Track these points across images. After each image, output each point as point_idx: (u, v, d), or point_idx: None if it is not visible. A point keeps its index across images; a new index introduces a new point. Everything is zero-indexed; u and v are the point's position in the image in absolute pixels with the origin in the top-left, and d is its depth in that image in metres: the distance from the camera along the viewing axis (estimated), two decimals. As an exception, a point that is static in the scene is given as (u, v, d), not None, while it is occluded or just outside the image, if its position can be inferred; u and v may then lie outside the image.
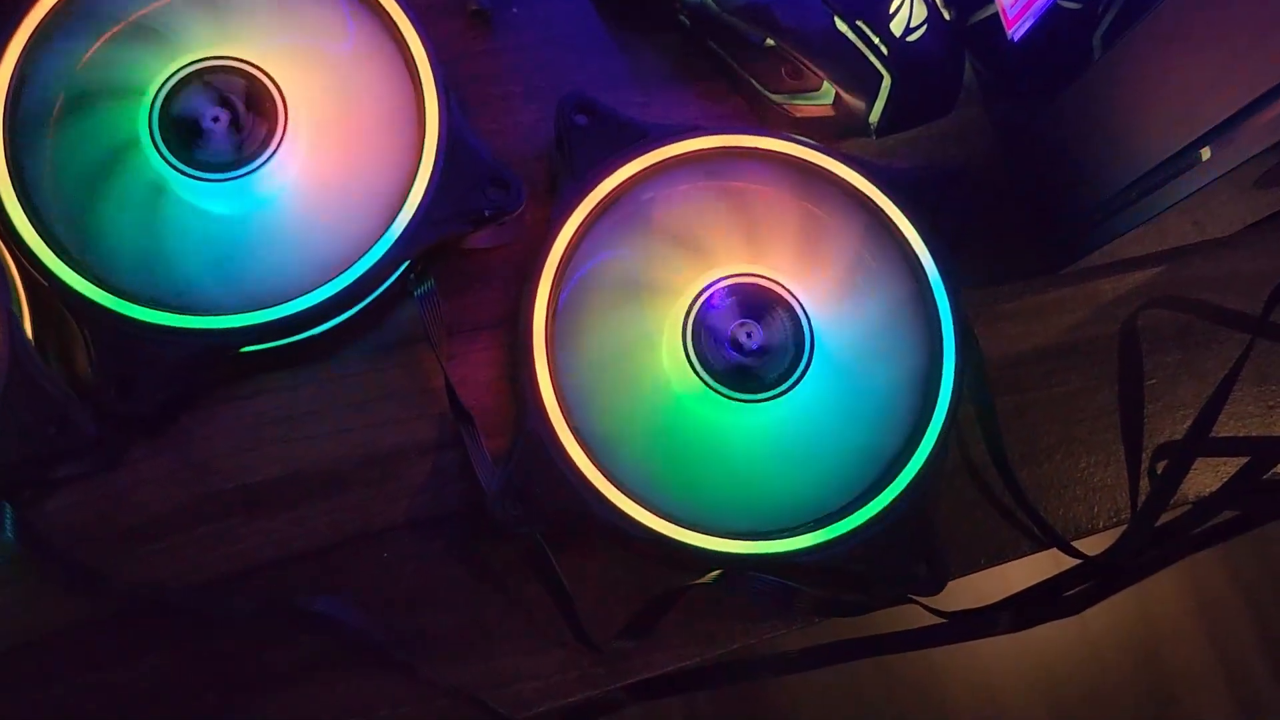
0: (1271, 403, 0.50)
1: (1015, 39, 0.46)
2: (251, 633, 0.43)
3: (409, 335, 0.46)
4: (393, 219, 0.43)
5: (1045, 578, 0.48)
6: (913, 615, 0.45)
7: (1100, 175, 0.44)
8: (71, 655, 0.42)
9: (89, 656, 0.42)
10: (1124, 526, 0.47)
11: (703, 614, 0.44)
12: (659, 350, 0.44)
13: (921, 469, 0.42)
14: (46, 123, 0.43)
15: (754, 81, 0.49)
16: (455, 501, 0.45)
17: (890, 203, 0.45)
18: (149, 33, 0.44)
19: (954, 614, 0.46)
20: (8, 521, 0.41)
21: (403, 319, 0.46)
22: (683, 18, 0.49)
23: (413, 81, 0.44)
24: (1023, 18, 0.45)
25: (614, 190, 0.44)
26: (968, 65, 0.49)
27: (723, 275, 0.44)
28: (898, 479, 0.42)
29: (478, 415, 0.44)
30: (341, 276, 0.42)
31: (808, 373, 0.43)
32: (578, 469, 0.41)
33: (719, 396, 0.43)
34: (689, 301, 0.43)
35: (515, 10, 0.50)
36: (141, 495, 0.43)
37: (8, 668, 0.42)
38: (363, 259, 0.42)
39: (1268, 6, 0.34)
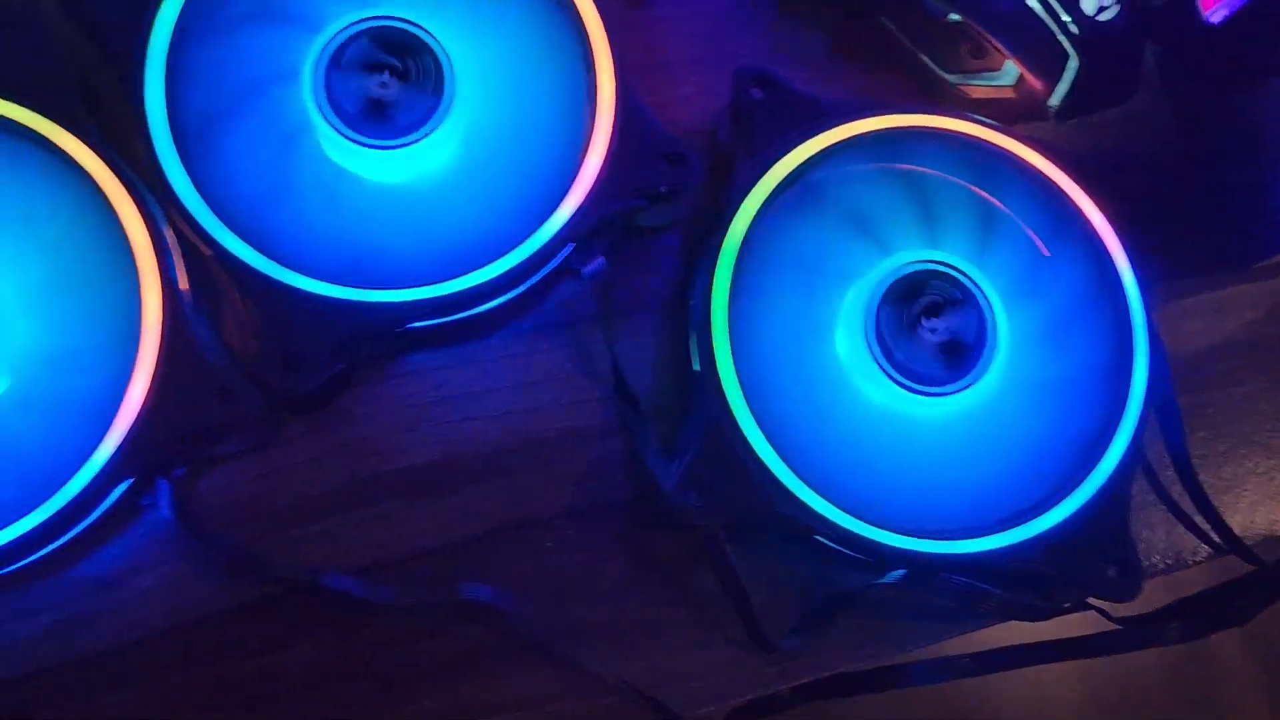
0: None
1: (1213, 22, 0.44)
2: (408, 622, 0.41)
3: (572, 315, 0.44)
4: (564, 193, 0.41)
5: (1211, 585, 0.46)
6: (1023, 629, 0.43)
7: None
8: (222, 640, 0.40)
9: (241, 642, 0.40)
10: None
11: (875, 615, 0.42)
12: (834, 338, 0.42)
13: (1117, 467, 0.41)
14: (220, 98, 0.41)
15: (928, 60, 0.47)
16: (619, 490, 0.43)
17: (1078, 188, 0.43)
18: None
19: (1126, 620, 0.44)
20: (164, 499, 0.39)
21: (565, 298, 0.44)
22: (853, -8, 0.47)
23: (585, 51, 0.42)
24: (1222, 1, 0.43)
25: (795, 169, 0.42)
26: (1147, 48, 0.47)
27: (904, 262, 0.42)
28: (1091, 476, 0.40)
29: (641, 400, 0.42)
30: (513, 252, 0.40)
31: (991, 364, 0.41)
32: (761, 461, 0.39)
33: (900, 389, 0.41)
34: (870, 289, 0.41)
35: (677, -21, 0.48)
36: (297, 476, 0.42)
37: (157, 651, 0.40)
38: (534, 235, 0.40)
39: None
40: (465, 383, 0.43)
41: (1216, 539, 0.44)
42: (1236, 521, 0.45)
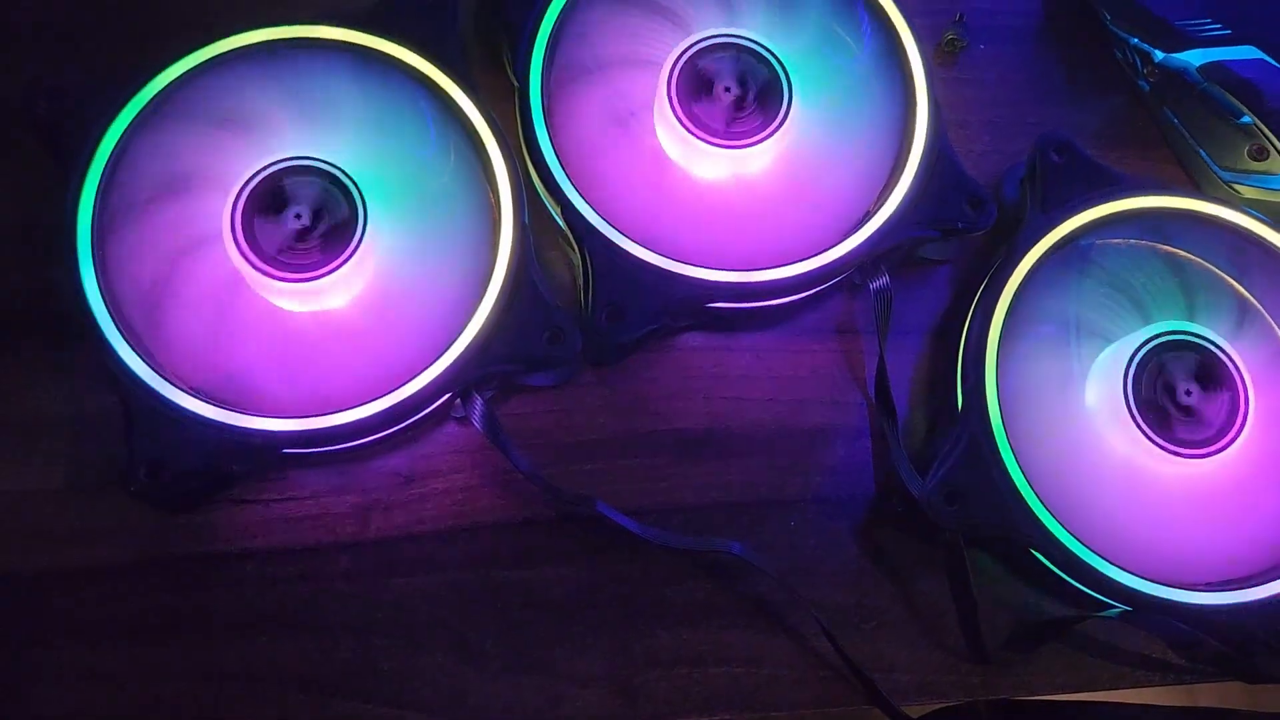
0: None
1: None
2: (659, 564, 0.45)
3: (845, 324, 0.48)
4: (872, 212, 0.45)
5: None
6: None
7: None
8: (498, 548, 0.45)
9: (513, 553, 0.45)
10: None
11: (1084, 649, 0.45)
12: (1086, 389, 0.46)
13: (1345, 556, 0.43)
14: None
15: (1205, 155, 0.50)
16: (863, 487, 0.47)
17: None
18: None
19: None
20: (476, 413, 0.44)
21: (841, 309, 0.49)
22: (1143, 82, 0.51)
23: (905, 94, 0.47)
24: None
25: (1078, 229, 0.46)
26: None
27: (1164, 331, 0.45)
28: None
29: (897, 410, 0.46)
30: (816, 257, 0.45)
31: (1239, 437, 0.44)
32: (1013, 482, 0.43)
33: (1149, 442, 0.44)
34: (1131, 350, 0.45)
35: (983, 47, 0.52)
36: (585, 419, 0.47)
37: (445, 547, 0.45)
38: (841, 243, 0.45)
39: None
40: (742, 366, 0.48)
41: None
42: None
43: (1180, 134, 0.51)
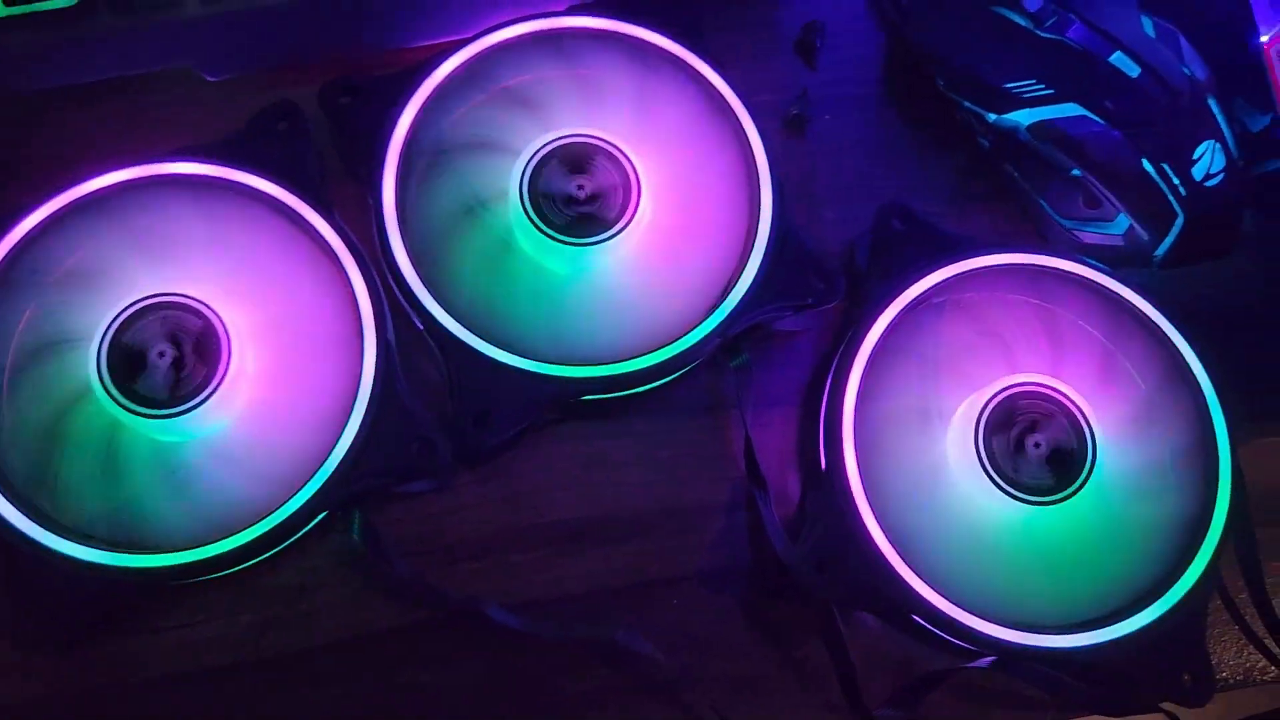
0: None
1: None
2: (553, 658, 0.46)
3: (715, 402, 0.50)
4: (725, 296, 0.47)
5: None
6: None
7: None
8: (393, 653, 0.46)
9: (409, 656, 0.46)
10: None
11: (964, 697, 0.47)
12: (946, 443, 0.48)
13: (1194, 585, 0.45)
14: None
15: (1045, 205, 0.52)
16: (742, 558, 0.48)
17: (1185, 342, 0.48)
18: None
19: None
20: (356, 525, 0.46)
21: (711, 387, 0.50)
22: (983, 140, 0.53)
23: (748, 178, 0.49)
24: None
25: (925, 292, 0.48)
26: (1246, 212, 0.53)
27: (1019, 383, 0.47)
28: (1171, 591, 0.45)
29: (768, 482, 0.48)
30: (676, 343, 0.47)
31: (1088, 484, 0.46)
32: (879, 551, 0.45)
33: (1003, 493, 0.46)
34: (985, 399, 0.47)
35: (828, 118, 0.54)
36: (465, 518, 0.48)
37: (333, 659, 0.46)
38: (695, 329, 0.47)
39: None
40: (618, 451, 0.49)
41: (1283, 661, 0.48)
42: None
43: (1022, 187, 0.53)
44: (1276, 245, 0.53)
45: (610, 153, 0.47)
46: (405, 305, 0.47)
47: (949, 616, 0.44)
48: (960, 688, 0.47)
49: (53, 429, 0.44)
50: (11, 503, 0.42)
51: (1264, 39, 0.51)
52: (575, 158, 0.47)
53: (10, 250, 0.44)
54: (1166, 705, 0.46)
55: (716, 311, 0.47)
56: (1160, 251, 0.51)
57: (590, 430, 0.49)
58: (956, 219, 0.54)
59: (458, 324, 0.46)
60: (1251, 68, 0.52)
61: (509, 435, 0.46)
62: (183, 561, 0.43)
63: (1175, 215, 0.49)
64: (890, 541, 0.45)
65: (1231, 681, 0.49)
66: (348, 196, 0.49)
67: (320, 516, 0.45)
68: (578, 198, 0.47)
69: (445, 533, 0.48)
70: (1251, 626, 0.49)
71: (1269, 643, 0.48)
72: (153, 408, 0.43)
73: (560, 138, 0.48)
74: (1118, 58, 0.49)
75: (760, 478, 0.48)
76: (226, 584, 0.46)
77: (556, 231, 0.47)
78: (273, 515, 0.43)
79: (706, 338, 0.47)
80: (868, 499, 0.45)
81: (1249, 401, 0.51)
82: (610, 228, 0.47)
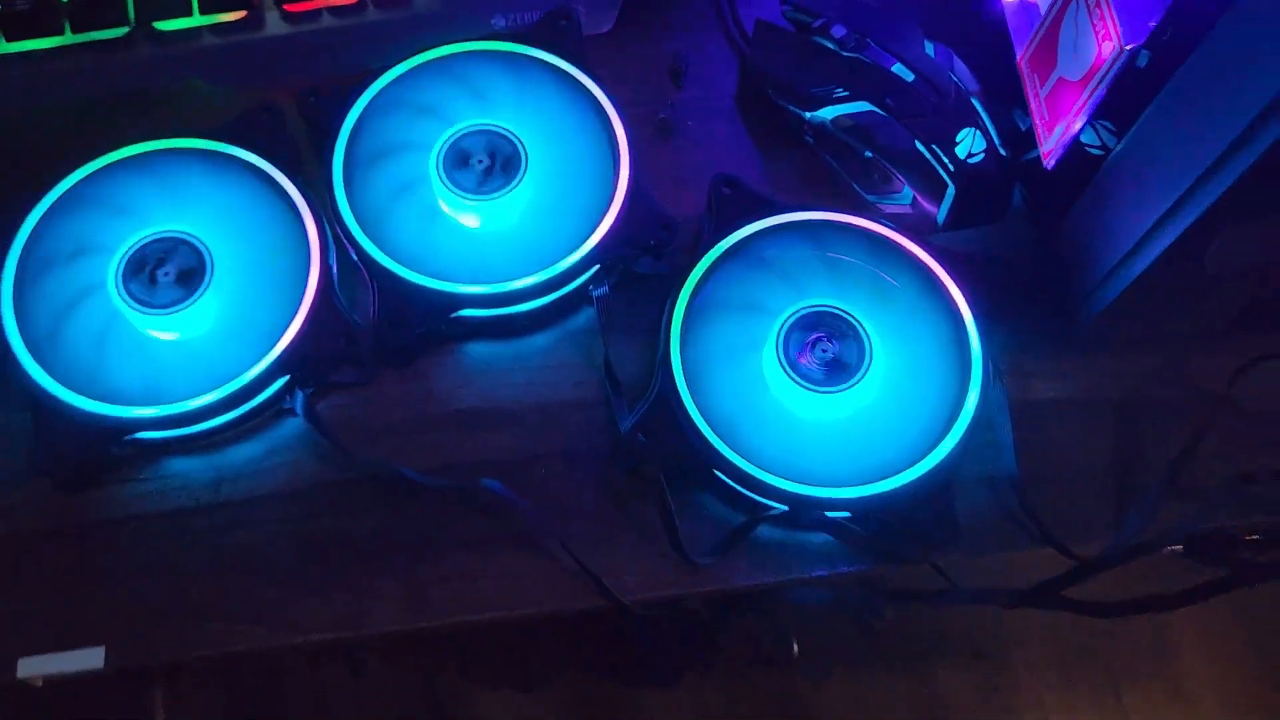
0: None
1: (1049, 167, 0.63)
2: (442, 508, 0.59)
3: (589, 328, 0.64)
4: (589, 237, 0.62)
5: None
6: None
7: (1094, 260, 0.59)
8: (320, 504, 0.60)
9: (329, 508, 0.60)
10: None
11: (771, 550, 0.59)
12: (760, 351, 0.61)
13: (946, 458, 0.57)
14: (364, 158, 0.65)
15: (855, 185, 0.67)
16: (599, 443, 0.61)
17: (943, 269, 0.62)
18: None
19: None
20: (299, 403, 0.60)
21: (586, 318, 0.65)
22: (808, 138, 0.68)
23: (614, 154, 0.64)
24: (1052, 154, 0.62)
25: (742, 241, 0.62)
26: (1018, 189, 0.66)
27: (810, 305, 0.60)
28: (927, 458, 0.57)
29: (625, 388, 0.61)
30: (547, 268, 0.61)
31: (866, 378, 0.58)
32: (691, 419, 0.57)
33: (797, 386, 0.58)
34: (783, 319, 0.60)
35: (691, 124, 0.70)
36: (385, 407, 0.62)
37: (275, 506, 0.60)
38: (563, 260, 0.61)
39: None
40: (509, 361, 0.63)
41: (1039, 535, 0.59)
42: (1061, 525, 0.60)
43: (836, 170, 0.67)
44: (1039, 213, 0.66)
45: (501, 134, 0.63)
46: (349, 246, 0.62)
47: (746, 473, 0.57)
48: (775, 542, 0.59)
49: (68, 311, 0.60)
50: (38, 364, 0.58)
51: (1019, 58, 0.66)
52: (477, 141, 0.63)
53: (75, 184, 0.62)
54: (934, 564, 0.57)
55: (581, 247, 0.62)
56: (940, 218, 0.65)
57: (490, 348, 0.64)
58: (794, 200, 0.68)
59: (383, 254, 0.61)
60: (1017, 81, 0.66)
61: (415, 334, 0.60)
62: (156, 415, 0.57)
63: (946, 186, 0.63)
64: (703, 416, 0.58)
65: (994, 548, 0.60)
66: (316, 177, 0.65)
67: (275, 387, 0.59)
68: (481, 164, 0.63)
69: (371, 416, 0.62)
70: (1012, 508, 0.60)
71: (1022, 517, 0.60)
72: (151, 306, 0.58)
73: (468, 130, 0.64)
74: (898, 68, 0.64)
75: (615, 380, 0.61)
76: (195, 447, 0.60)
77: (466, 192, 0.62)
78: (237, 378, 0.58)
79: (572, 266, 0.61)
80: (689, 388, 0.59)
81: (1015, 336, 0.64)
82: (505, 187, 0.62)
